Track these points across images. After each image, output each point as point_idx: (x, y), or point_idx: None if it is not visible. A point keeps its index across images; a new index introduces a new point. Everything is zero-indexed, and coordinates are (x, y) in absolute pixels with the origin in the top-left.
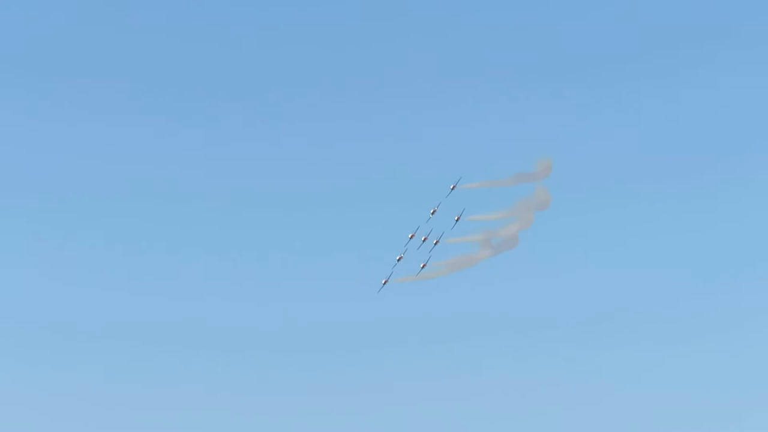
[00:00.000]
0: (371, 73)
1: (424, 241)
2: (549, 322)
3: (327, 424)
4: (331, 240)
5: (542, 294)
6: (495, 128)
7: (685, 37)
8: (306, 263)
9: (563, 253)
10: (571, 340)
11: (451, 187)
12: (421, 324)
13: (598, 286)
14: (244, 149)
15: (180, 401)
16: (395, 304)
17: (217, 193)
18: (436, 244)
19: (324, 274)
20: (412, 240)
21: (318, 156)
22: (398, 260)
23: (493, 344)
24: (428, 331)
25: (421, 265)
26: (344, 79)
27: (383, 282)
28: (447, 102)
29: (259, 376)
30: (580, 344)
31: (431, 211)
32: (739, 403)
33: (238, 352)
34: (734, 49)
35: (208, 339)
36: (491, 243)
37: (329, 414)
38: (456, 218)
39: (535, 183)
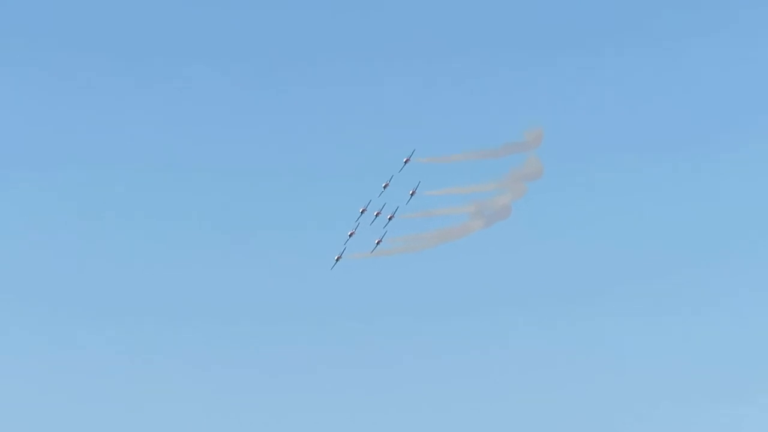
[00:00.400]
0: (346, 39)
1: (376, 216)
2: (541, 293)
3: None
4: (280, 213)
5: (535, 265)
6: (481, 99)
7: (676, 5)
8: (254, 236)
9: (556, 223)
10: (564, 312)
11: (404, 160)
12: (410, 297)
13: (590, 256)
14: (194, 117)
15: (125, 371)
16: (383, 275)
17: (163, 161)
18: (390, 219)
19: (275, 247)
20: (364, 215)
21: (270, 125)
22: (350, 236)
23: (489, 317)
24: (421, 305)
25: (376, 242)
26: (310, 47)
27: (336, 258)
28: (431, 72)
29: (208, 347)
30: (574, 316)
31: (383, 185)
32: (736, 374)
33: (183, 322)
34: (726, 16)
35: (158, 309)
36: (483, 214)
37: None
38: (411, 192)
39: (526, 153)
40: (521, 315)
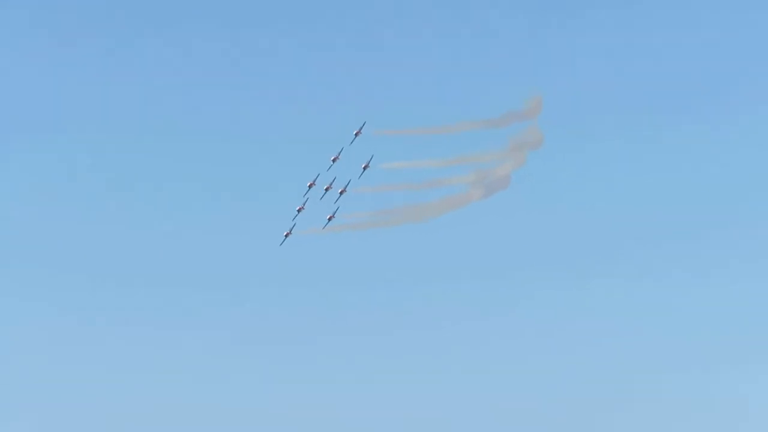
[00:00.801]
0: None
1: (327, 190)
2: (544, 262)
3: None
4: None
5: (535, 234)
6: (478, 65)
7: None
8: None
9: (556, 191)
10: (566, 279)
11: (355, 133)
12: (404, 267)
13: (593, 223)
14: (139, 83)
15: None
16: (381, 246)
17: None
18: (341, 193)
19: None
20: (312, 189)
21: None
22: (299, 211)
23: (485, 286)
24: (420, 274)
25: (328, 217)
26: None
27: (285, 234)
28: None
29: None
30: (575, 283)
31: (332, 159)
32: (747, 336)
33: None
34: None
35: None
36: (483, 183)
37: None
38: (363, 166)
39: (526, 122)
40: (525, 282)
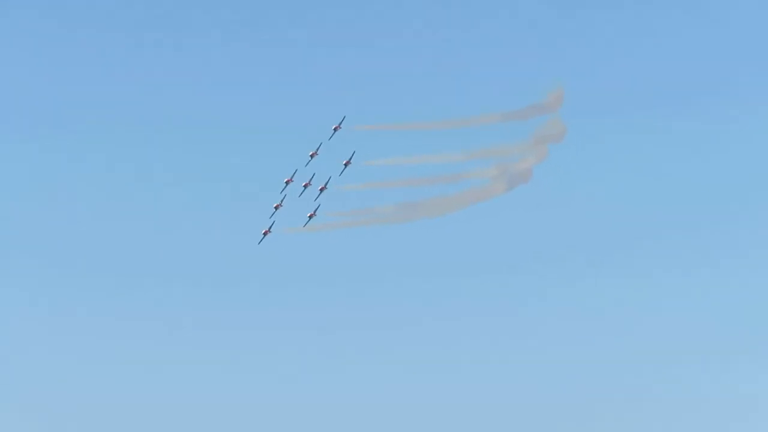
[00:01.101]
0: None
1: (305, 187)
2: (562, 256)
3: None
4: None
5: (556, 228)
6: (499, 57)
7: None
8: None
9: (578, 185)
10: (587, 274)
11: (334, 128)
12: (419, 262)
13: (615, 217)
14: (118, 77)
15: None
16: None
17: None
18: (321, 191)
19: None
20: (290, 186)
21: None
22: (276, 209)
23: (506, 280)
24: (438, 269)
25: (309, 215)
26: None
27: (264, 233)
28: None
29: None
30: (597, 278)
31: (310, 154)
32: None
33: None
34: None
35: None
36: (505, 177)
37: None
38: (345, 163)
39: (548, 114)
40: (542, 276)
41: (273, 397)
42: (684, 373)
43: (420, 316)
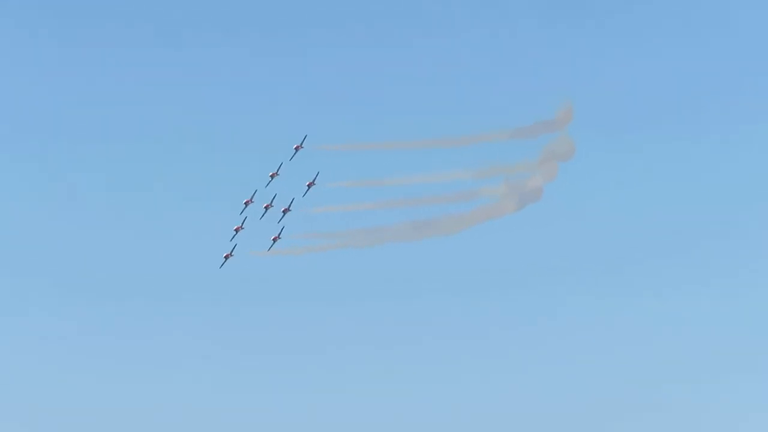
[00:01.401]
0: None
1: (266, 209)
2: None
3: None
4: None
5: (568, 246)
6: (506, 73)
7: None
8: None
9: (589, 203)
10: (600, 293)
11: (295, 147)
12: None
13: (627, 235)
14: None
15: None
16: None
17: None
18: (284, 213)
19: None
20: (249, 207)
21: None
22: (236, 231)
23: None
24: (450, 286)
25: (273, 238)
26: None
27: (225, 256)
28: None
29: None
30: (610, 297)
31: (270, 175)
32: None
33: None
34: None
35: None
36: (516, 196)
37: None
38: (308, 184)
39: (557, 132)
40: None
41: (236, 421)
42: (695, 387)
43: (424, 333)
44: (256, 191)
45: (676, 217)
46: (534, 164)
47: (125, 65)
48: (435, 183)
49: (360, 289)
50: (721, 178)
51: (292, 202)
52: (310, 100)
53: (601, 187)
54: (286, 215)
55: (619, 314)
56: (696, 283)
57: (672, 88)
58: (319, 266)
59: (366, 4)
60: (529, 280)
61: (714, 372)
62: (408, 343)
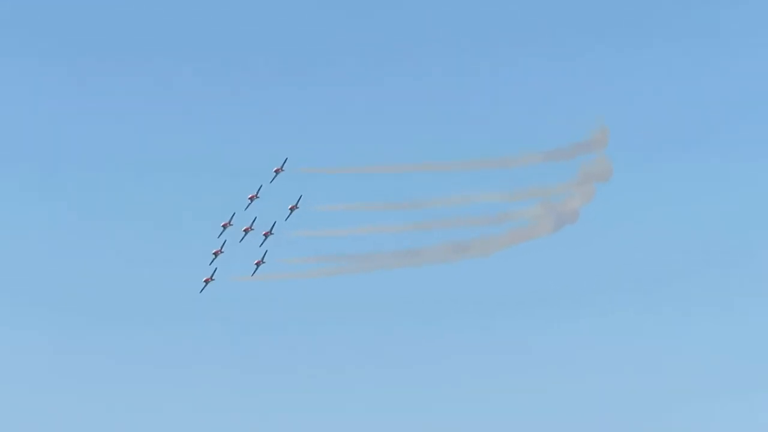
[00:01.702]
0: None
1: (246, 232)
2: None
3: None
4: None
5: (605, 269)
6: (543, 95)
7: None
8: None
9: (625, 225)
10: (638, 314)
11: (275, 170)
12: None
13: (665, 256)
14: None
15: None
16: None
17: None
18: (266, 236)
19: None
20: (227, 230)
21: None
22: (215, 255)
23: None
24: (484, 307)
25: (255, 263)
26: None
27: (205, 281)
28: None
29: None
30: (648, 318)
31: (249, 197)
32: None
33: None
34: None
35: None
36: (552, 217)
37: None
38: (291, 207)
39: (593, 153)
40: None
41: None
42: (732, 407)
43: (452, 354)
44: (234, 214)
45: (713, 238)
46: (571, 186)
47: (99, 88)
48: (471, 204)
49: (394, 310)
50: (759, 199)
51: (273, 225)
52: (327, 121)
53: (637, 208)
54: (267, 239)
55: (655, 335)
56: (734, 304)
57: (708, 108)
58: (317, 289)
59: (399, 23)
60: (564, 302)
61: (750, 395)
62: (439, 364)
